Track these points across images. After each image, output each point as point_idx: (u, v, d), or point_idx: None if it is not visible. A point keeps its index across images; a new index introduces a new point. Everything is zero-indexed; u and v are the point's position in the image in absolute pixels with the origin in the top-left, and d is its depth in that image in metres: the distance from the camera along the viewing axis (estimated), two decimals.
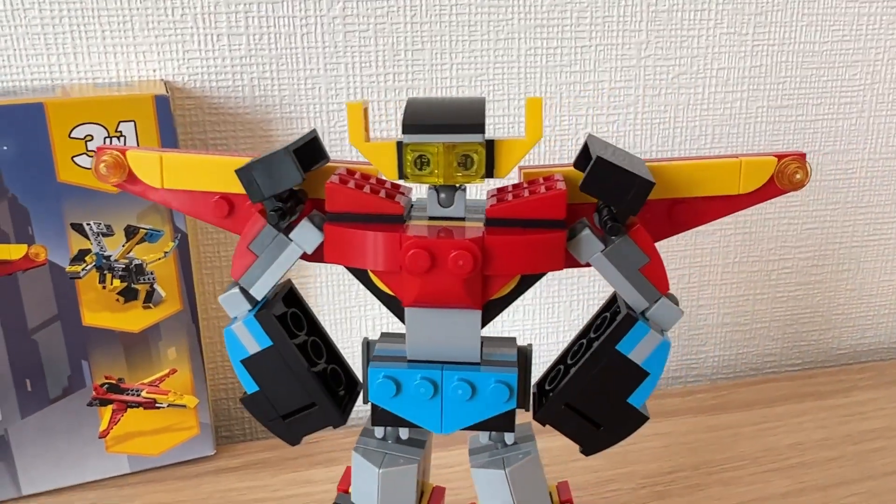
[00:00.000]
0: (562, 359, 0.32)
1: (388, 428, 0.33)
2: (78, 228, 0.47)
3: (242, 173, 0.28)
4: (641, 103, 0.62)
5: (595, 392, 0.30)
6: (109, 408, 0.51)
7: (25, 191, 0.45)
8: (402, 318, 0.30)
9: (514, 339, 0.33)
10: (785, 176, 0.31)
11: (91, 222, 0.47)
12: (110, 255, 0.48)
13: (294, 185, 0.28)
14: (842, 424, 0.57)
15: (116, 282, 0.49)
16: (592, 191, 0.27)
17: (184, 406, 0.52)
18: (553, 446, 0.54)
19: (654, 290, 0.29)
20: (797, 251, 0.69)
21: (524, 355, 0.32)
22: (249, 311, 0.30)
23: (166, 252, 0.49)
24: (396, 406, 0.31)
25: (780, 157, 0.31)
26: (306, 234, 0.29)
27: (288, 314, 0.32)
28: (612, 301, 0.32)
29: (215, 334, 0.59)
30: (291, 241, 0.29)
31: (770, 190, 0.31)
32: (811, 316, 0.71)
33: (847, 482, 0.51)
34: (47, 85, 0.52)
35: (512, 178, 0.31)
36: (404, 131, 0.27)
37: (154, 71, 0.53)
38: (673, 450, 0.55)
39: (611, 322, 0.30)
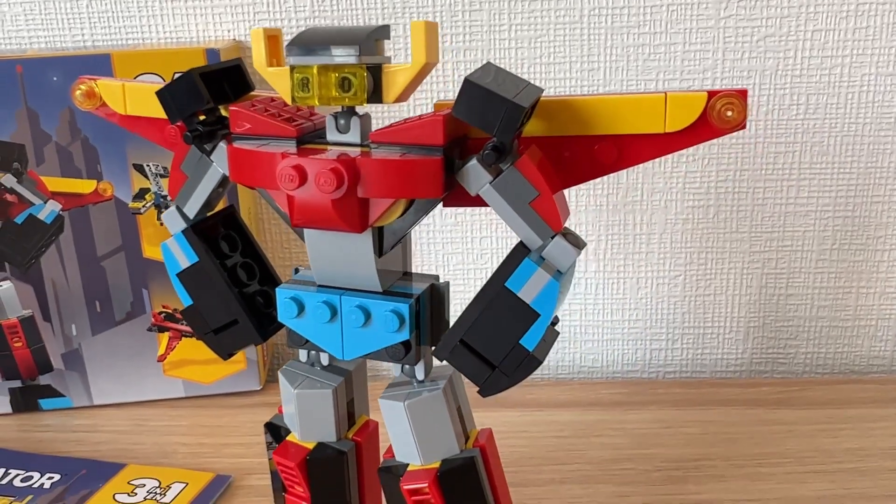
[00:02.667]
0: None
1: (312, 353, 0.34)
2: (139, 169, 0.53)
3: (160, 95, 0.30)
4: (720, 68, 0.57)
5: (487, 331, 0.29)
6: (166, 335, 0.56)
7: (94, 132, 0.52)
8: (301, 238, 0.31)
9: (435, 276, 0.32)
10: (715, 113, 0.28)
11: (150, 164, 0.53)
12: (166, 195, 0.53)
13: (200, 107, 0.30)
14: None
15: None
16: (463, 114, 0.26)
17: None
18: (576, 420, 0.53)
19: (546, 226, 0.28)
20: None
21: (438, 292, 0.32)
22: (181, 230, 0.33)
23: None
24: (301, 327, 0.32)
25: (712, 93, 0.28)
26: (222, 154, 0.31)
27: (221, 235, 0.34)
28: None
29: (277, 258, 0.63)
30: (212, 161, 0.31)
31: (703, 130, 0.28)
32: None
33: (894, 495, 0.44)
34: (138, 44, 0.58)
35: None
36: (287, 53, 0.28)
37: (228, 31, 0.58)
38: (708, 438, 0.51)
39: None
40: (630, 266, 0.62)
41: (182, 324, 0.56)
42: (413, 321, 0.30)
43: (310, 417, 0.34)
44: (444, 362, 0.31)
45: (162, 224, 0.53)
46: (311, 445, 0.34)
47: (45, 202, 0.52)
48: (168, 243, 0.33)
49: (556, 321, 0.31)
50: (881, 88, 0.57)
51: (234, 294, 0.33)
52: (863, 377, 0.62)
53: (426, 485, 0.31)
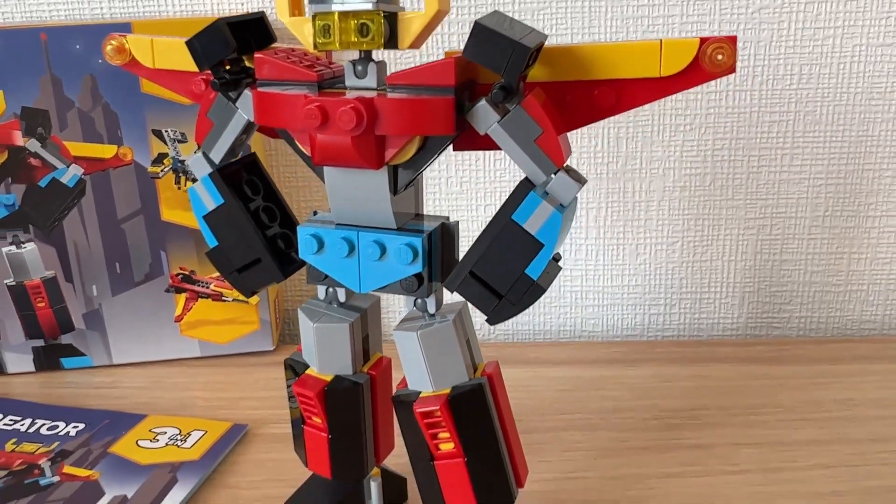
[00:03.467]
0: None
1: (329, 290, 0.36)
2: (158, 134, 0.55)
3: (189, 44, 0.33)
4: None
5: (495, 262, 0.31)
6: (183, 296, 0.58)
7: (115, 98, 0.54)
8: (322, 179, 0.33)
9: (446, 217, 0.35)
10: (707, 57, 0.30)
11: (169, 129, 0.55)
12: (184, 160, 0.55)
13: (227, 55, 0.32)
14: None
15: (189, 183, 0.56)
16: (472, 54, 0.29)
17: (246, 302, 0.59)
18: (577, 376, 0.55)
19: (550, 162, 0.30)
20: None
21: (449, 231, 0.34)
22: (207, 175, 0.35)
23: None
24: (321, 263, 0.34)
25: (703, 39, 0.30)
26: (246, 102, 0.33)
27: (244, 179, 0.36)
28: None
29: None
30: (237, 108, 0.34)
31: (696, 74, 0.30)
32: None
33: (888, 440, 0.47)
34: (155, 17, 0.60)
35: None
36: (308, 2, 0.30)
37: (242, 4, 0.60)
38: (704, 391, 0.53)
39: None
40: (629, 233, 0.64)
41: (199, 285, 0.58)
42: (425, 255, 0.32)
43: (327, 351, 0.36)
44: (454, 296, 0.33)
45: (180, 188, 0.55)
46: (328, 378, 0.36)
47: (68, 166, 0.55)
48: (195, 187, 0.35)
49: (558, 257, 0.33)
50: (872, 59, 0.59)
51: (258, 233, 0.35)
52: (854, 337, 0.64)
53: (437, 408, 0.33)
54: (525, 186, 0.31)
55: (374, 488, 0.40)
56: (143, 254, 0.57)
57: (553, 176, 0.30)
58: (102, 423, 0.50)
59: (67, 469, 0.46)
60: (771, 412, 0.50)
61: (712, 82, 0.60)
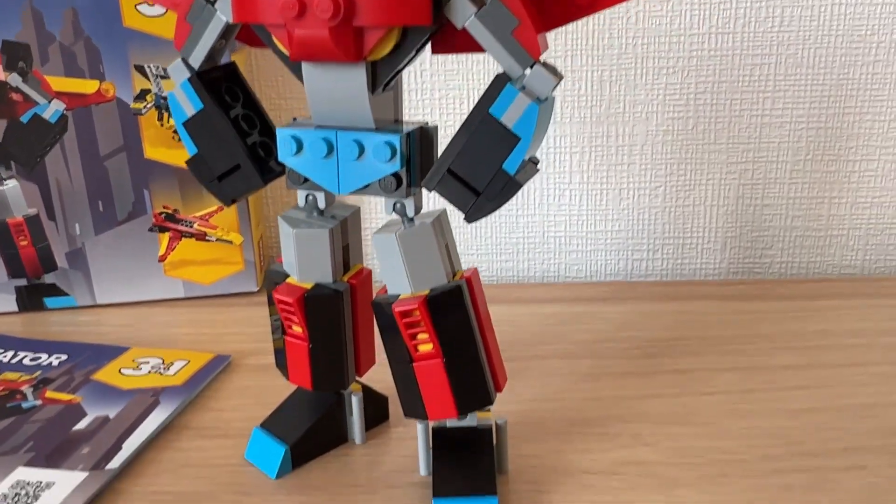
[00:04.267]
0: None
1: (309, 197, 0.36)
2: (140, 69, 0.55)
3: None
4: None
5: (472, 158, 0.31)
6: (166, 235, 0.58)
7: (97, 33, 0.53)
8: (300, 80, 0.33)
9: (425, 122, 0.35)
10: None
11: (151, 65, 0.55)
12: (167, 97, 0.55)
13: None
14: (886, 321, 0.53)
15: (172, 121, 0.56)
16: None
17: (230, 242, 0.59)
18: (559, 311, 0.56)
19: (526, 55, 0.30)
20: (884, 152, 0.63)
21: (427, 133, 0.34)
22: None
23: None
24: (299, 165, 0.34)
25: None
26: (224, 5, 0.33)
27: (224, 87, 0.36)
28: None
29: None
30: (216, 10, 0.34)
31: None
32: None
33: (865, 364, 0.47)
34: None
35: None
36: None
37: None
38: (684, 324, 0.53)
39: None
40: (613, 177, 0.65)
41: (182, 224, 0.58)
42: (404, 154, 0.32)
43: (307, 258, 0.36)
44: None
45: (163, 125, 0.55)
46: (308, 286, 0.36)
47: (50, 102, 0.54)
48: (175, 92, 0.35)
49: (536, 160, 0.34)
50: (853, 1, 0.60)
51: (237, 139, 0.35)
52: (832, 277, 0.65)
53: (416, 307, 0.33)
54: (501, 79, 0.31)
55: (356, 402, 0.40)
56: (126, 192, 0.57)
57: (529, 69, 0.30)
58: (85, 355, 0.51)
59: (49, 394, 0.46)
60: (750, 342, 0.51)
61: (695, 24, 0.60)
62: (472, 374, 0.34)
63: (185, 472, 0.39)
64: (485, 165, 0.31)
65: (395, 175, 0.33)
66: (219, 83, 0.36)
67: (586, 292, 0.60)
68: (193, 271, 0.59)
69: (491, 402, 0.35)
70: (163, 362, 0.49)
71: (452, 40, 0.32)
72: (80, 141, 0.55)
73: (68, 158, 0.56)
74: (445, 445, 0.36)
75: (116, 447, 0.40)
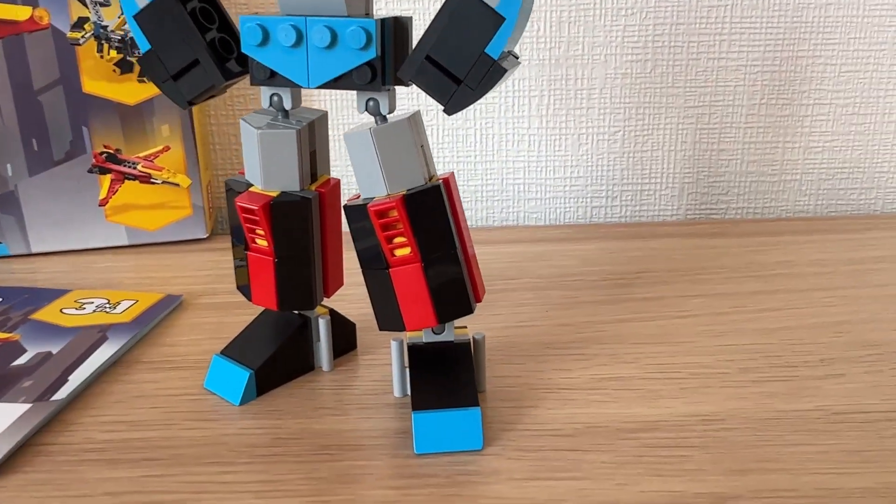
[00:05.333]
0: None
1: (274, 98, 0.34)
2: None
3: None
4: None
5: (453, 42, 0.30)
6: (108, 177, 0.55)
7: None
8: None
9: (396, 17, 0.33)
10: None
11: None
12: (107, 26, 0.52)
13: None
14: (846, 252, 0.53)
15: (113, 52, 0.52)
16: None
17: (177, 185, 0.56)
18: (525, 251, 0.54)
19: None
20: (835, 96, 0.64)
21: (402, 24, 0.32)
22: None
23: None
24: (265, 57, 0.32)
25: None
26: None
27: None
28: None
29: (220, 115, 0.63)
30: None
31: None
32: (850, 171, 0.66)
33: (830, 288, 0.47)
34: None
35: None
36: None
37: None
38: (650, 259, 0.53)
39: None
40: (571, 122, 0.64)
41: (125, 165, 0.55)
42: (379, 41, 0.31)
43: (272, 162, 0.34)
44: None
45: (102, 57, 0.52)
46: (275, 194, 0.34)
47: None
48: None
49: (516, 55, 0.32)
50: None
51: (196, 32, 0.32)
52: (786, 217, 0.65)
53: (393, 205, 0.31)
54: None
55: (323, 326, 0.38)
56: (62, 129, 0.53)
57: None
58: (21, 297, 0.47)
59: None
60: (716, 272, 0.50)
61: None
62: (453, 280, 0.33)
63: (139, 402, 0.36)
64: (467, 49, 0.30)
65: (370, 65, 0.31)
66: None
67: (548, 234, 0.59)
68: (137, 216, 0.56)
69: (471, 311, 0.34)
70: (108, 302, 0.46)
71: None
72: (12, 73, 0.51)
73: None
74: (423, 361, 0.34)
75: (62, 380, 0.37)
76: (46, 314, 0.44)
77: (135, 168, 0.55)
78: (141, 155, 0.55)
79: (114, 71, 0.53)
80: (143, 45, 0.33)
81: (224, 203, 0.64)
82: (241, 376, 0.36)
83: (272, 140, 0.33)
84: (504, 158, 0.64)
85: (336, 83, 0.32)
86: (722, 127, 0.64)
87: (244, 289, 0.37)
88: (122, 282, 0.51)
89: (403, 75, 0.31)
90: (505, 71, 0.30)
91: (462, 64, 0.30)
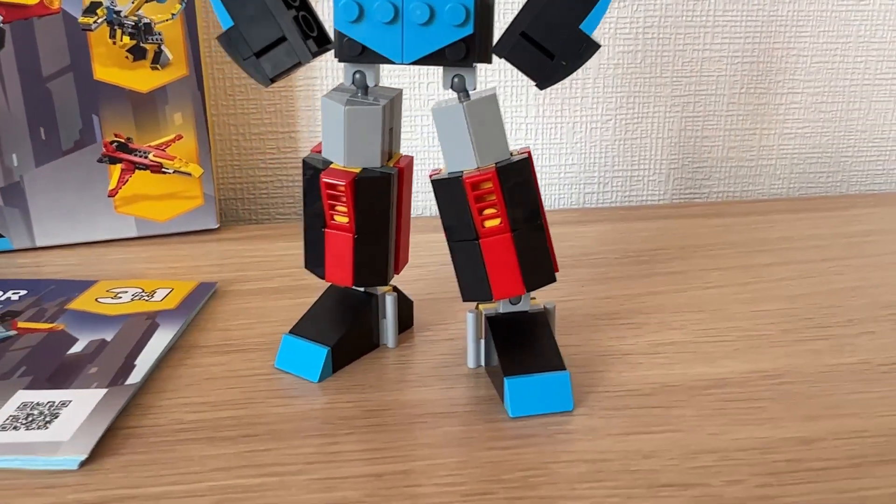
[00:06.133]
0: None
1: (357, 75, 0.34)
2: None
3: None
4: None
5: (549, 19, 0.31)
6: (118, 167, 0.53)
7: None
8: None
9: None
10: None
11: None
12: (120, 11, 0.51)
13: None
14: (836, 227, 0.58)
15: (126, 38, 0.51)
16: None
17: (189, 174, 0.55)
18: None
19: None
20: (806, 85, 0.69)
21: (487, 2, 0.33)
22: None
23: (174, 14, 0.52)
24: (358, 33, 0.32)
25: None
26: None
27: None
28: None
29: (220, 105, 0.62)
30: None
31: None
32: (819, 156, 0.71)
33: (833, 259, 0.51)
34: None
35: None
36: None
37: None
38: (658, 237, 0.55)
39: None
40: (566, 111, 0.66)
41: (136, 155, 0.53)
42: (475, 18, 0.32)
43: (356, 139, 0.34)
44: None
45: (115, 43, 0.51)
46: (357, 170, 0.35)
47: None
48: None
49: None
50: None
51: (284, 9, 0.33)
52: (771, 199, 0.69)
53: (489, 177, 0.32)
54: None
55: (390, 302, 0.39)
56: (72, 117, 0.52)
57: None
58: (48, 289, 0.45)
59: (23, 324, 0.41)
60: (725, 248, 0.53)
61: None
62: (541, 249, 0.34)
63: (212, 384, 0.36)
64: (563, 26, 0.31)
65: (464, 41, 0.32)
66: None
67: (554, 217, 0.61)
68: (147, 207, 0.55)
69: (555, 279, 0.35)
70: (143, 291, 0.45)
71: None
72: (20, 59, 0.50)
73: (5, 79, 0.50)
74: (505, 330, 0.36)
75: (128, 365, 0.36)
76: (82, 304, 0.43)
77: (146, 157, 0.54)
78: (153, 144, 0.54)
79: (126, 57, 0.51)
80: (226, 22, 0.33)
81: (233, 194, 0.64)
82: (318, 353, 0.36)
83: (358, 116, 0.34)
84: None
85: (427, 60, 0.32)
86: (705, 115, 0.68)
87: (315, 265, 0.37)
88: (143, 272, 0.49)
89: (499, 51, 0.32)
90: (599, 46, 0.32)
91: (558, 40, 0.31)
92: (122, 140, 0.53)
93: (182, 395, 0.35)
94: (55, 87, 0.51)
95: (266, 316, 0.43)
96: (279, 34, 0.33)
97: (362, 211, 0.35)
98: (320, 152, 0.36)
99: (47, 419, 0.32)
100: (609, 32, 0.64)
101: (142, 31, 0.51)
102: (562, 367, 0.34)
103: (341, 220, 0.35)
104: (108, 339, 0.39)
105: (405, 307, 0.41)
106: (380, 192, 0.35)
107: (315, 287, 0.40)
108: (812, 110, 0.70)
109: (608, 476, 0.29)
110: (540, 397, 0.33)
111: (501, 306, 0.36)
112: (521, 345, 0.35)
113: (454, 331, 0.41)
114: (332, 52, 0.34)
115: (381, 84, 0.35)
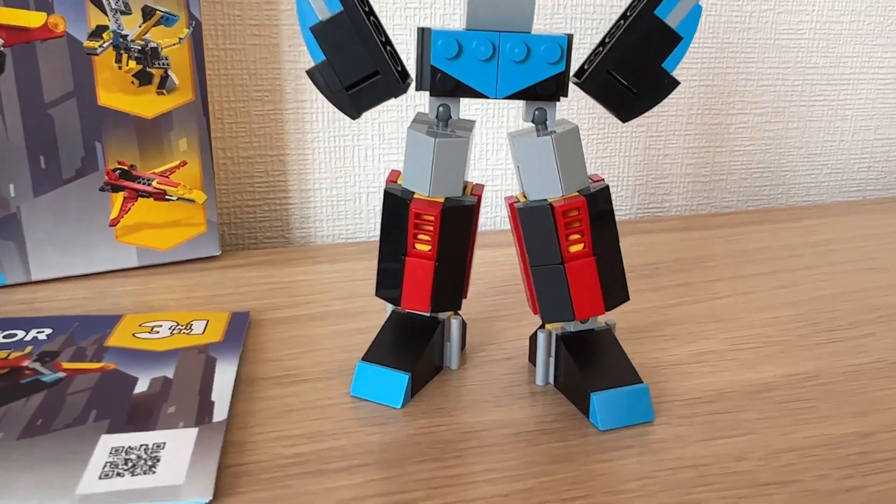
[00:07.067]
0: (601, 43, 0.36)
1: (441, 109, 0.35)
2: (97, 2, 0.48)
3: None
4: None
5: (634, 58, 0.34)
6: (121, 195, 0.52)
7: None
8: None
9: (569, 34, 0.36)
10: None
11: None
12: (127, 35, 0.49)
13: None
14: (800, 237, 0.63)
15: (132, 63, 0.50)
16: None
17: (192, 201, 0.54)
18: None
19: None
20: (753, 107, 0.75)
21: (571, 42, 0.35)
22: None
23: (181, 38, 0.51)
24: (455, 69, 0.33)
25: None
26: None
27: None
28: None
29: (224, 130, 0.61)
30: None
31: None
32: (762, 171, 0.77)
33: (811, 267, 0.56)
34: None
35: None
36: None
37: None
38: (651, 252, 0.59)
39: None
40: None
41: (139, 182, 0.52)
42: (566, 56, 0.34)
43: (443, 170, 0.35)
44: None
45: (121, 68, 0.49)
46: (441, 200, 0.36)
47: None
48: None
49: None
50: None
51: (379, 44, 0.33)
52: (732, 213, 0.75)
53: (579, 205, 0.34)
54: None
55: (455, 325, 0.40)
56: (74, 145, 0.49)
57: None
58: (73, 326, 0.43)
59: (68, 365, 0.39)
60: (710, 260, 0.58)
61: None
62: (618, 271, 0.36)
63: (296, 415, 0.36)
64: (645, 65, 0.34)
65: (555, 78, 0.34)
66: None
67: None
68: (149, 236, 0.53)
69: (629, 298, 0.37)
70: (179, 324, 0.44)
71: None
72: (21, 84, 0.47)
73: (4, 104, 0.47)
74: (580, 348, 0.37)
75: (206, 402, 0.36)
76: (121, 340, 0.42)
77: (150, 185, 0.52)
78: (157, 171, 0.52)
79: (132, 82, 0.50)
80: (317, 57, 0.34)
81: (220, 219, 0.62)
82: (399, 380, 0.37)
83: (447, 148, 0.35)
84: (484, 167, 0.68)
85: (522, 94, 0.34)
86: (667, 134, 0.73)
87: (389, 293, 0.38)
88: (163, 304, 0.48)
89: (585, 86, 0.34)
90: (678, 83, 0.34)
91: (641, 78, 0.34)
92: (126, 167, 0.51)
93: (270, 429, 0.35)
94: (57, 113, 0.48)
95: (314, 344, 0.43)
96: (372, 69, 0.34)
97: (446, 239, 0.36)
98: (395, 181, 0.37)
99: (149, 463, 0.31)
100: (582, 58, 0.68)
101: (148, 55, 0.50)
102: (640, 381, 0.36)
103: (423, 248, 0.36)
104: (170, 375, 0.38)
105: (462, 329, 0.42)
106: (464, 220, 0.36)
107: (349, 313, 0.40)
108: (758, 129, 0.76)
109: (713, 479, 0.32)
110: (624, 410, 0.36)
111: (572, 325, 0.38)
112: (597, 361, 0.37)
113: (508, 350, 0.43)
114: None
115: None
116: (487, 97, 0.34)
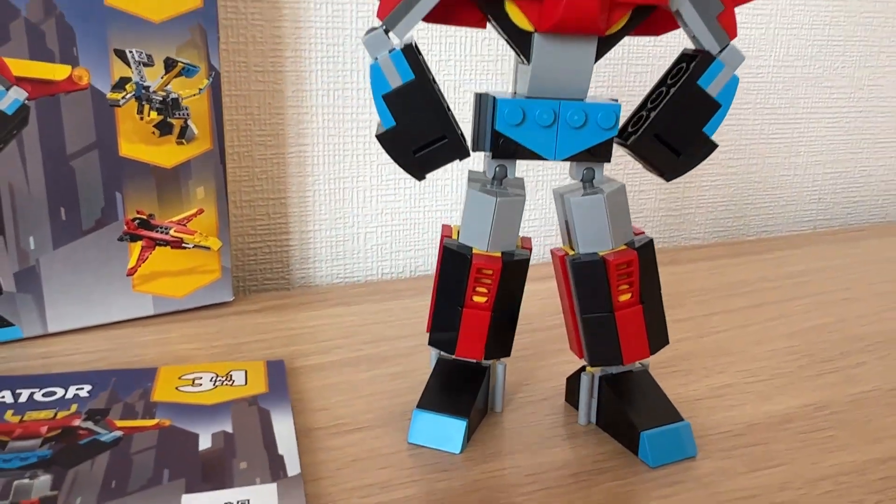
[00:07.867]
0: (642, 107, 0.39)
1: (498, 168, 0.37)
2: (121, 55, 0.48)
3: None
4: None
5: (678, 123, 0.37)
6: (138, 244, 0.51)
7: (72, 10, 0.46)
8: (525, 55, 0.35)
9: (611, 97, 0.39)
10: None
11: (133, 50, 0.48)
12: (149, 86, 0.49)
13: None
14: (773, 268, 0.68)
15: (154, 114, 0.50)
16: None
17: (208, 248, 0.54)
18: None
19: (726, 35, 0.36)
20: (718, 141, 0.80)
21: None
22: (391, 51, 0.34)
23: (201, 89, 0.51)
24: (518, 134, 0.36)
25: None
26: None
27: (422, 59, 0.36)
28: (678, 62, 0.39)
29: (228, 175, 0.61)
30: None
31: None
32: (727, 205, 0.83)
33: (793, 299, 0.61)
34: None
35: None
36: None
37: None
38: None
39: (687, 70, 0.37)
40: (531, 171, 0.72)
41: (157, 231, 0.52)
42: (618, 122, 0.36)
43: (502, 226, 0.37)
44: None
45: (142, 118, 0.50)
46: (497, 254, 0.38)
47: (8, 89, 0.45)
48: (381, 63, 0.34)
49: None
50: None
51: (445, 111, 0.35)
52: (704, 247, 0.79)
53: (632, 258, 0.37)
54: (706, 58, 0.36)
55: (501, 370, 0.42)
56: (94, 195, 0.49)
57: (727, 47, 0.36)
58: (111, 381, 0.43)
59: (121, 423, 0.39)
60: (700, 294, 0.61)
61: None
62: (661, 317, 0.39)
63: (360, 465, 0.37)
64: (688, 130, 0.37)
65: (608, 142, 0.36)
66: (419, 53, 0.35)
67: (536, 272, 0.66)
68: (165, 284, 0.53)
69: (669, 342, 0.40)
70: (218, 376, 0.44)
71: (654, 23, 0.36)
72: (44, 136, 0.47)
73: (27, 157, 0.47)
74: (624, 389, 0.40)
75: (275, 456, 0.37)
76: (166, 395, 0.42)
77: (167, 233, 0.52)
78: (174, 219, 0.52)
79: (153, 133, 0.50)
80: (388, 122, 0.35)
81: (235, 262, 0.62)
82: (458, 426, 0.39)
83: (507, 206, 0.37)
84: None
85: (577, 156, 0.36)
86: (642, 171, 0.77)
87: (444, 342, 0.39)
88: (192, 354, 0.48)
89: (634, 147, 0.37)
90: (716, 146, 0.37)
91: (684, 141, 0.37)
92: (145, 217, 0.51)
93: (341, 480, 0.36)
94: (79, 164, 0.48)
95: (358, 391, 0.44)
96: (440, 133, 0.36)
97: (503, 291, 0.38)
98: (449, 237, 0.39)
99: None
100: None
101: (170, 106, 0.50)
102: (681, 418, 0.39)
103: (479, 299, 0.38)
104: (229, 430, 0.39)
105: (504, 374, 0.44)
106: (519, 273, 0.38)
107: (380, 357, 0.42)
108: (721, 165, 0.81)
109: None
110: (670, 446, 0.38)
111: (614, 367, 0.41)
112: (641, 401, 0.40)
113: (542, 390, 0.45)
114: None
115: None
116: (546, 160, 0.37)
